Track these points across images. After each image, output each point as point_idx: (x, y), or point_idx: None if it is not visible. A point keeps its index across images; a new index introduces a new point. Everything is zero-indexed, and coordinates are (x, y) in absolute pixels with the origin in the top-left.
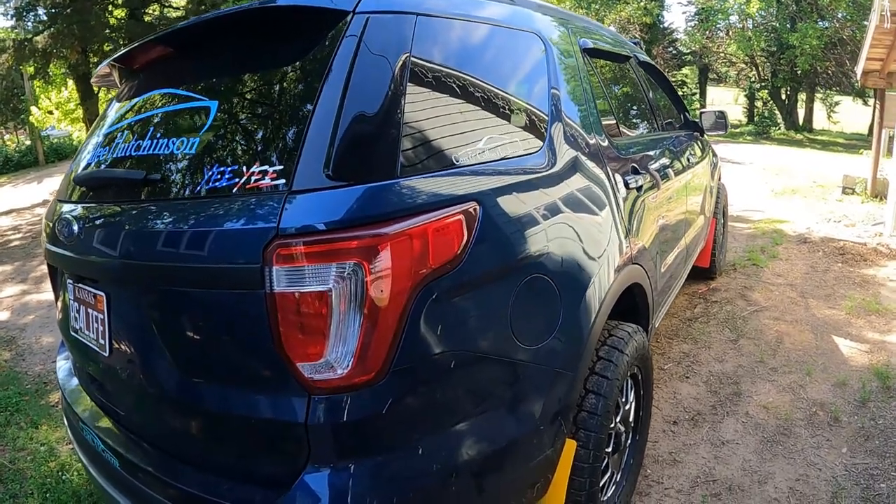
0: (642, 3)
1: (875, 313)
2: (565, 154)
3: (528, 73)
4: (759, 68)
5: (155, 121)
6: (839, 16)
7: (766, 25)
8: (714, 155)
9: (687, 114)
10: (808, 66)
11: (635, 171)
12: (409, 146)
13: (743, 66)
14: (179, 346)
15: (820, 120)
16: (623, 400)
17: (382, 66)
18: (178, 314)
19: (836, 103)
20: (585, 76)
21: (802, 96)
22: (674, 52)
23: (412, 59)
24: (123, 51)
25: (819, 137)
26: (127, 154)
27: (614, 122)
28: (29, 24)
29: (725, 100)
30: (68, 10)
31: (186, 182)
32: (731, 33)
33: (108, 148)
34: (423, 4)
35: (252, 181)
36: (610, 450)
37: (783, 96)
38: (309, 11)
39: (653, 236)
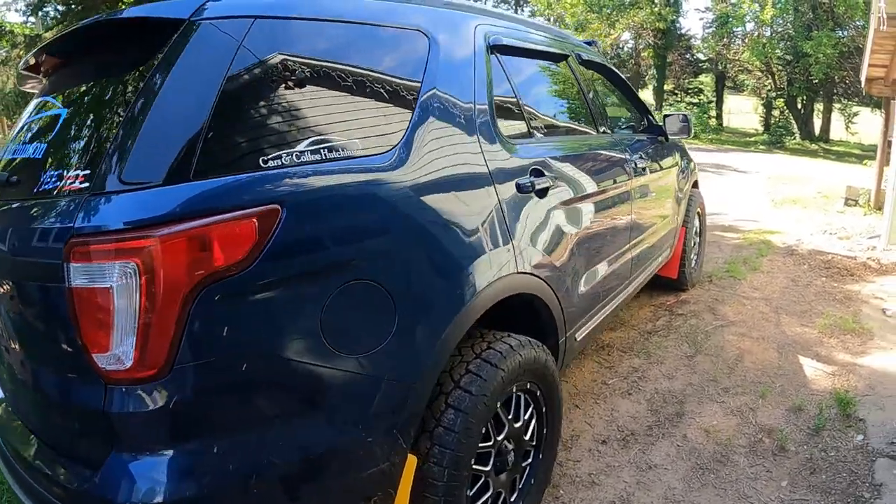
0: (656, 9)
1: (850, 332)
2: (425, 155)
3: (394, 71)
4: (775, 77)
5: (30, 126)
6: (857, 24)
7: (783, 33)
8: (686, 160)
9: (650, 117)
10: (823, 75)
11: (538, 174)
12: (212, 149)
13: (760, 74)
14: (21, 334)
15: (838, 130)
16: (510, 417)
17: (200, 71)
18: (18, 304)
19: (855, 114)
20: (484, 74)
21: (819, 106)
22: (690, 58)
23: (240, 62)
24: (25, 58)
25: (835, 148)
26: (9, 157)
27: (523, 122)
28: (48, 18)
29: (745, 108)
30: (80, 7)
31: (30, 184)
32: (746, 40)
33: (4, 150)
34: (266, 7)
35: (67, 184)
36: (490, 468)
37: (799, 105)
38: (150, 22)
39: (567, 244)
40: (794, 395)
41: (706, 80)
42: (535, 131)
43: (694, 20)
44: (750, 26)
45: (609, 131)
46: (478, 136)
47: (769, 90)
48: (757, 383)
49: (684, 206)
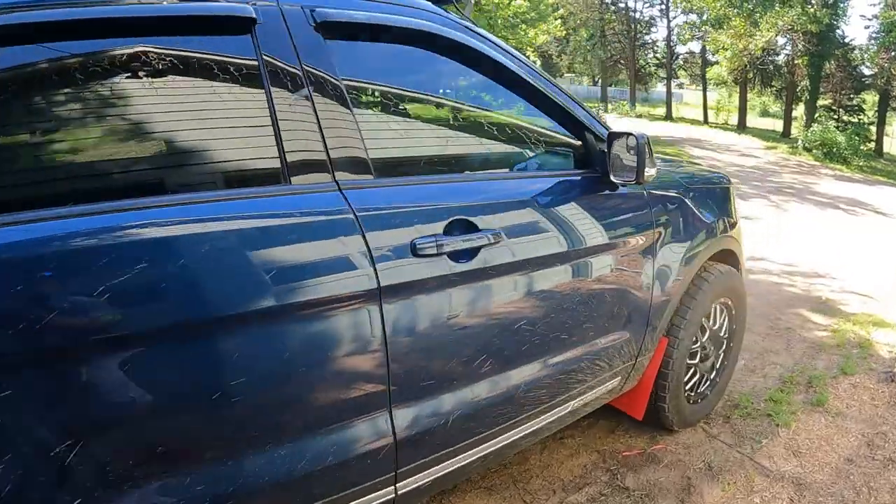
0: (811, 9)
1: None
2: None
3: None
4: None
5: None
6: None
7: None
8: (691, 216)
9: (590, 135)
10: None
11: None
12: None
13: None
14: None
15: None
16: None
17: None
18: None
19: None
20: None
21: None
22: (851, 71)
23: None
24: None
25: None
26: None
27: None
28: None
29: None
30: None
31: None
32: None
33: None
34: None
35: None
36: None
37: None
38: None
39: None
40: None
41: (869, 97)
42: None
43: (860, 28)
44: None
45: (355, 176)
46: None
47: None
48: None
49: (672, 302)
